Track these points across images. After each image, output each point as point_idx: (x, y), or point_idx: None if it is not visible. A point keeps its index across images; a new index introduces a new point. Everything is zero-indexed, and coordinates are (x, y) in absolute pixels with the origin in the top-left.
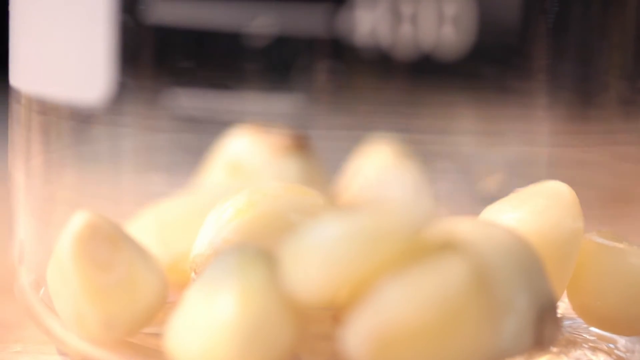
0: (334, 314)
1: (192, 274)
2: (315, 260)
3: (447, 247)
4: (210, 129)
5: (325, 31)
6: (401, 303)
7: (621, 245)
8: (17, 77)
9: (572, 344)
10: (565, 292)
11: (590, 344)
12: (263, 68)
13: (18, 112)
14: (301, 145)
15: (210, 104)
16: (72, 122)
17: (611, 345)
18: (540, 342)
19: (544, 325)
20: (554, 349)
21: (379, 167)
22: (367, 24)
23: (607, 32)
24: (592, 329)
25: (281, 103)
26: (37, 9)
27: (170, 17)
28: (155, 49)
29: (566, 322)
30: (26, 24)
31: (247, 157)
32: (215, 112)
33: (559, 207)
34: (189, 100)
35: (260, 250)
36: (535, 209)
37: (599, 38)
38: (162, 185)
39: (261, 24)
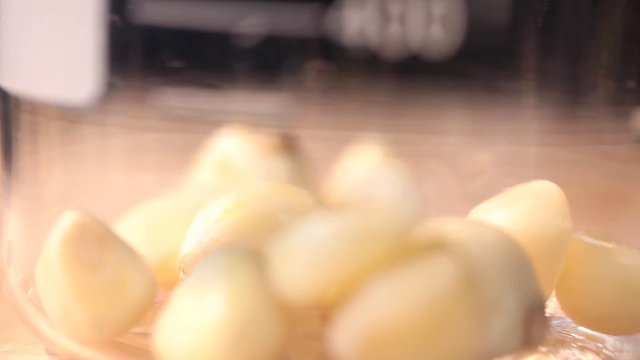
0: (323, 313)
1: (181, 274)
2: (304, 260)
3: (435, 247)
4: (199, 128)
5: (313, 31)
6: (390, 303)
7: (610, 245)
8: (5, 76)
9: (561, 343)
10: (554, 291)
11: (579, 344)
12: (252, 68)
13: (6, 112)
14: (290, 145)
15: (199, 104)
16: (61, 122)
17: (600, 345)
18: (529, 342)
19: (533, 325)
20: (543, 349)
21: (367, 167)
22: (355, 24)
23: (596, 32)
24: (581, 328)
25: (270, 103)
26: (24, 8)
27: (158, 16)
28: (144, 48)
29: (555, 322)
30: (13, 23)
31: (236, 156)
32: (204, 111)
33: (547, 206)
34: (178, 100)
35: (248, 249)
36: (523, 209)
37: (587, 38)
38: (151, 185)
39: (250, 24)
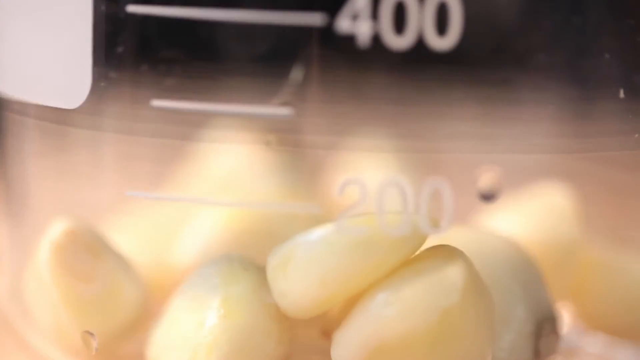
0: (324, 326)
1: (175, 285)
2: (305, 273)
3: (442, 256)
4: (197, 133)
5: (316, 27)
6: (394, 314)
7: (623, 252)
8: None
9: (572, 354)
10: (564, 300)
11: (591, 354)
12: (253, 65)
13: None
14: (292, 151)
15: (196, 107)
16: (51, 125)
17: (612, 355)
18: (539, 353)
19: (543, 336)
20: None
21: (373, 176)
22: (358, 20)
23: (607, 29)
24: (593, 338)
25: (272, 103)
26: (14, 8)
27: (157, 13)
28: (138, 46)
29: (566, 332)
30: (2, 23)
31: (235, 164)
32: (202, 115)
33: (557, 214)
34: (174, 103)
35: (246, 261)
36: (533, 217)
37: (600, 31)
38: (145, 192)
39: (250, 20)
